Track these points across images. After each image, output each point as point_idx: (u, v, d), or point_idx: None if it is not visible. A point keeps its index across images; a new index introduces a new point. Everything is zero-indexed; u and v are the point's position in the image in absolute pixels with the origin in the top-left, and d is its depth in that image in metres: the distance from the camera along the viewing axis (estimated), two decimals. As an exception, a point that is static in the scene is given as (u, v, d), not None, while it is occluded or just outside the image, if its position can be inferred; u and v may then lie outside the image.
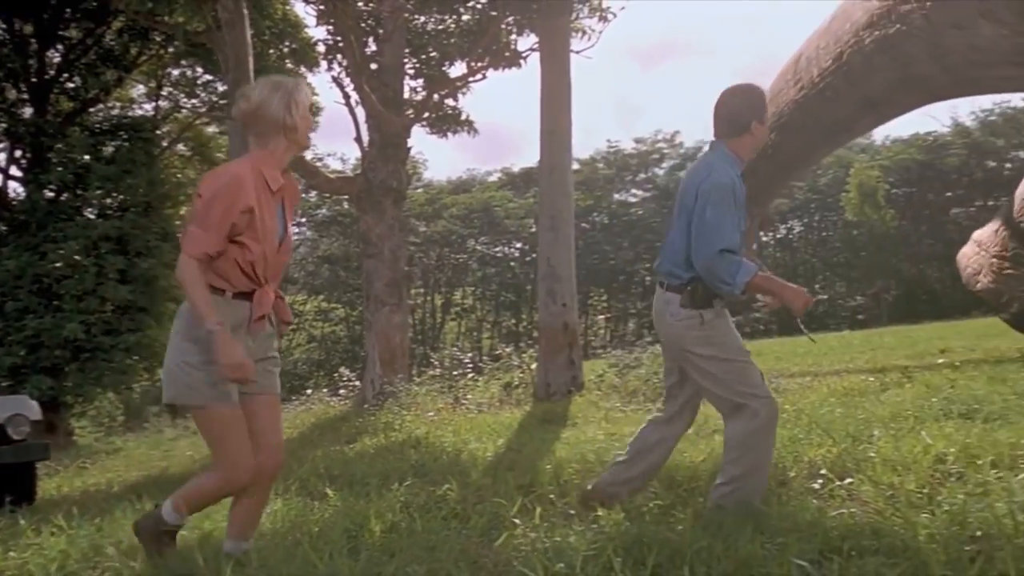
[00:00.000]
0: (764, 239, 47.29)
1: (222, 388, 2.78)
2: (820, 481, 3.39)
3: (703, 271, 3.14)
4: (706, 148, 3.46)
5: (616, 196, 53.60)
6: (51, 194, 17.42)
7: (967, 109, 43.55)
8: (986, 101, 41.89)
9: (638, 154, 53.74)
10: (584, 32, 12.46)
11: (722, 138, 3.32)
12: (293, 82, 2.97)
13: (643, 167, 53.87)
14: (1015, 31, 6.72)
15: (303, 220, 42.11)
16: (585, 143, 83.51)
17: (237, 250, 2.83)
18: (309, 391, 16.19)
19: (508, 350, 13.22)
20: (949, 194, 46.02)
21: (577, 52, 11.78)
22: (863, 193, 40.70)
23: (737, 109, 3.30)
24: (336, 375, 16.00)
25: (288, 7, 17.25)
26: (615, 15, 12.47)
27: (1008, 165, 42.14)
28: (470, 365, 12.73)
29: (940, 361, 8.36)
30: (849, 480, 3.32)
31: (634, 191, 54.50)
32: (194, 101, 20.61)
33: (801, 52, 9.34)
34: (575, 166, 50.35)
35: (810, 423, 4.83)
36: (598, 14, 12.38)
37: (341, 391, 14.54)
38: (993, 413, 4.71)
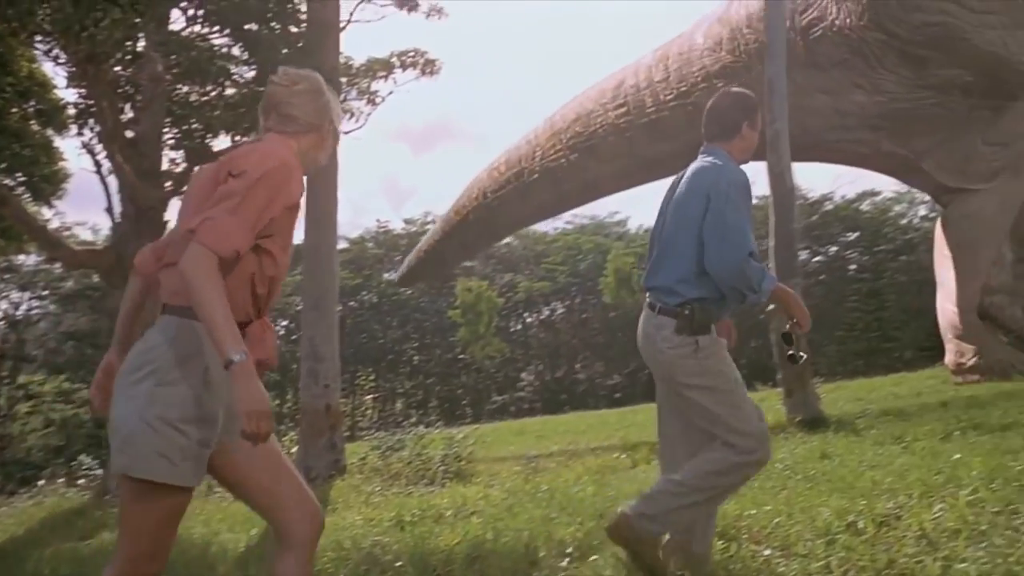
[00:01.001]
0: (528, 320, 48.89)
1: (198, 462, 2.11)
2: (567, 560, 3.48)
3: (727, 278, 2.92)
4: (700, 155, 3.24)
5: (386, 275, 53.66)
6: None
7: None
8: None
9: (408, 235, 54.24)
10: (352, 113, 12.58)
11: (714, 141, 3.21)
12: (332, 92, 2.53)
13: (412, 247, 54.39)
14: (894, 98, 7.49)
15: (45, 293, 38.75)
16: (355, 222, 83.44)
17: (254, 260, 2.19)
18: (42, 482, 14.72)
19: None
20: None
21: (345, 133, 11.88)
22: (619, 278, 43.11)
23: (728, 111, 3.22)
24: (75, 463, 14.69)
25: (35, 65, 16.14)
26: (383, 99, 12.69)
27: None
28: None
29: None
30: (594, 557, 3.43)
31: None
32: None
33: (623, 79, 9.71)
34: (343, 245, 49.18)
35: (562, 502, 4.97)
36: (367, 97, 12.55)
37: (80, 481, 13.34)
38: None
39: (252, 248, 2.16)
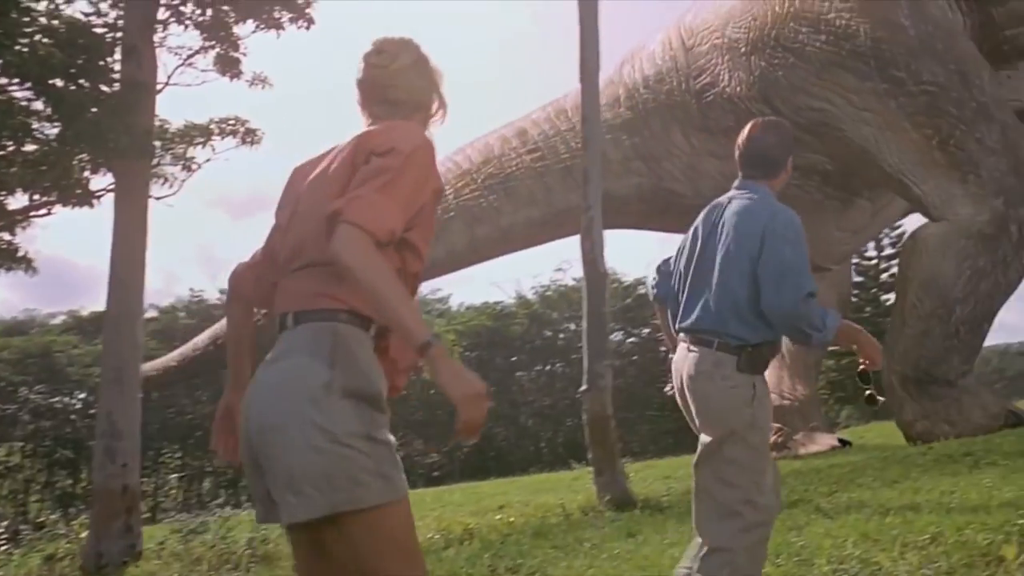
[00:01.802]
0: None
1: (398, 470, 1.78)
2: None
3: (788, 318, 2.76)
4: (736, 189, 3.07)
5: (198, 347, 51.27)
6: None
7: (529, 284, 48.75)
8: (544, 278, 47.38)
9: (223, 305, 52.28)
10: (167, 179, 12.11)
11: (757, 179, 3.03)
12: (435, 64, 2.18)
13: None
14: None
15: None
16: (167, 290, 79.93)
17: (396, 255, 1.87)
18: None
19: (54, 517, 11.69)
20: (514, 359, 50.39)
21: (157, 198, 11.41)
22: (440, 355, 43.10)
23: (774, 148, 3.04)
24: None
25: None
26: (200, 166, 12.31)
27: (561, 335, 47.52)
28: (4, 535, 11.03)
29: (498, 517, 8.90)
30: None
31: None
32: None
33: (524, 127, 9.54)
34: (152, 313, 46.51)
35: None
36: (182, 162, 12.13)
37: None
38: (533, 568, 5.08)
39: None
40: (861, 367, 2.89)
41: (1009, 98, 6.65)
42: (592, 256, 7.68)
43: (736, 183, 3.09)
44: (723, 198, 3.08)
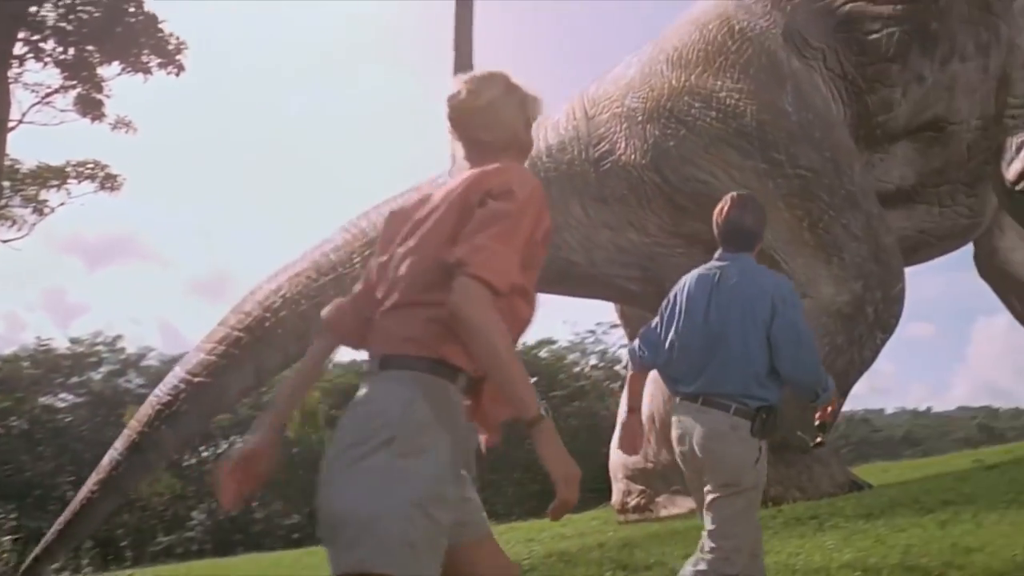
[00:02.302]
0: (204, 454, 45.88)
1: (440, 551, 1.68)
2: None
3: (806, 381, 3.06)
4: (721, 260, 3.31)
5: (41, 400, 48.29)
6: None
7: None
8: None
9: (73, 355, 49.52)
10: (15, 221, 11.52)
11: (740, 251, 3.26)
12: (525, 88, 2.09)
13: (78, 370, 49.65)
14: (656, 241, 7.78)
15: None
16: (9, 337, 75.17)
17: (505, 300, 1.76)
18: None
19: None
20: (381, 418, 49.57)
21: (4, 241, 10.82)
22: (304, 413, 42.04)
23: (753, 224, 3.30)
24: None
25: None
26: (53, 209, 11.78)
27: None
28: None
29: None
30: None
31: (64, 395, 49.63)
32: None
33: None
34: (-8, 362, 43.33)
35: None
36: (33, 204, 11.59)
37: None
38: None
39: None
40: (819, 417, 3.25)
41: (881, 179, 7.08)
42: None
43: (718, 255, 3.35)
44: (710, 268, 3.32)
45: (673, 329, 3.28)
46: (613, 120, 7.82)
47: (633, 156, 7.61)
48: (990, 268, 8.59)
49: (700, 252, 7.49)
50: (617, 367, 45.81)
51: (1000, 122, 5.80)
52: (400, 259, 1.90)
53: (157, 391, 10.01)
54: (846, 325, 6.37)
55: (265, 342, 9.73)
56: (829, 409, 3.22)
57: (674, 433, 3.26)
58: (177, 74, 10.70)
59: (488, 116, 2.03)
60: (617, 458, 10.19)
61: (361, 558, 1.64)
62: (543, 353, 44.26)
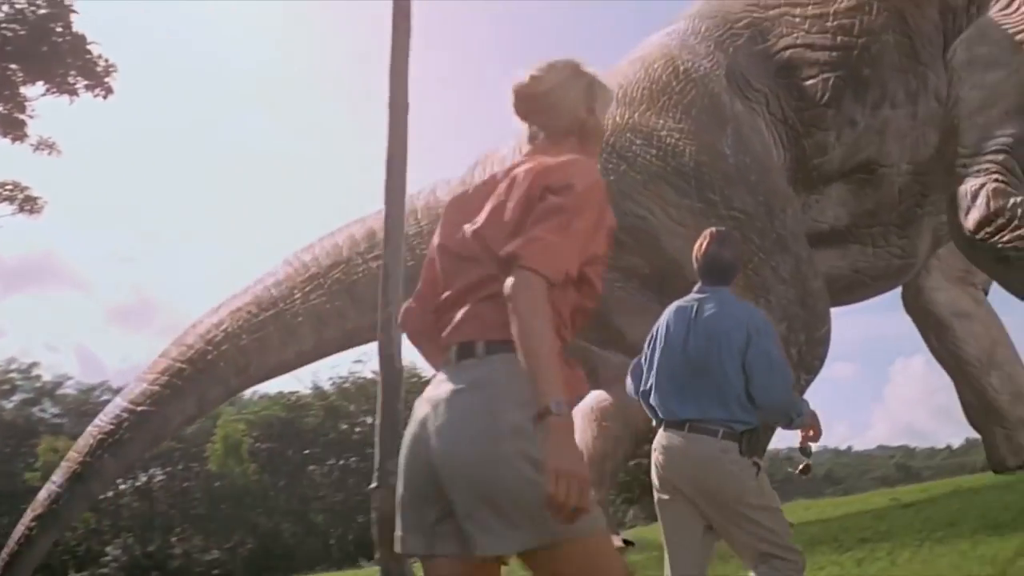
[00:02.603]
0: (122, 487, 44.43)
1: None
2: None
3: (778, 406, 3.20)
4: (699, 293, 3.49)
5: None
6: None
7: (327, 375, 47.55)
8: (343, 369, 46.46)
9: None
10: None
11: (717, 285, 3.44)
12: (594, 72, 2.08)
13: (-14, 397, 47.70)
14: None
15: None
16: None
17: (574, 291, 1.86)
18: None
19: None
20: (307, 451, 48.78)
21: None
22: (228, 445, 41.16)
23: (731, 259, 3.49)
24: None
25: None
26: (-26, 231, 11.37)
27: (358, 428, 46.55)
28: None
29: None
30: None
31: (-26, 425, 47.62)
32: None
33: (373, 228, 9.31)
34: None
35: None
36: (-52, 226, 11.18)
37: None
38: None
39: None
40: (802, 442, 3.38)
41: (816, 219, 7.28)
42: (389, 352, 7.64)
43: (697, 288, 3.54)
44: (689, 301, 3.51)
45: (656, 360, 3.45)
46: None
47: None
48: (915, 306, 8.86)
49: (636, 286, 7.58)
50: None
51: (952, 172, 5.98)
52: (480, 251, 1.92)
53: (98, 421, 9.93)
54: None
55: (207, 374, 9.73)
56: (811, 433, 3.34)
57: (657, 458, 3.35)
58: (105, 96, 10.47)
59: (549, 101, 2.05)
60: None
61: (560, 531, 1.68)
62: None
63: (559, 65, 2.08)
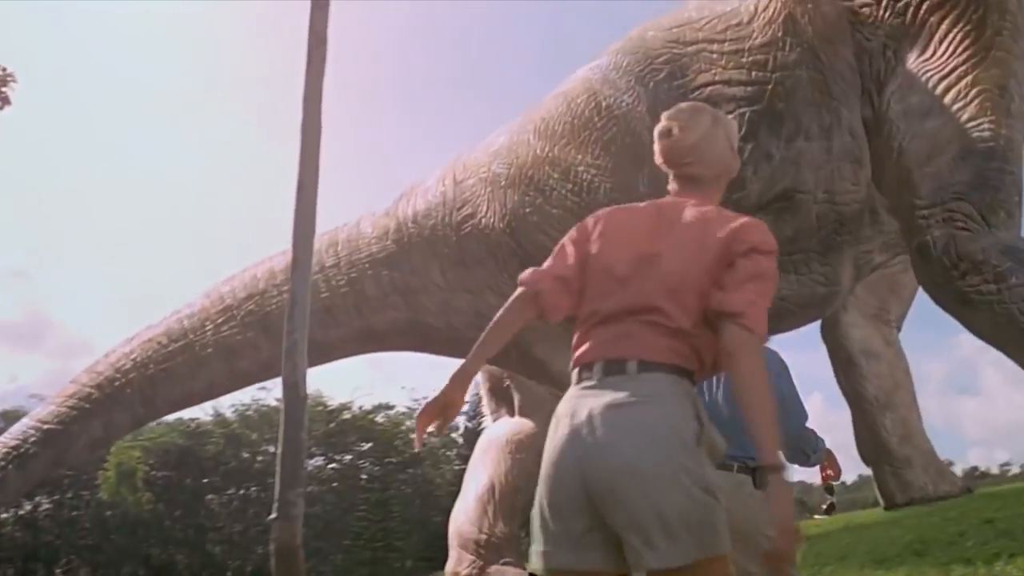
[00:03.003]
0: (4, 516, 42.25)
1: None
2: None
3: (793, 441, 3.18)
4: None
5: None
6: None
7: (228, 402, 46.27)
8: (246, 396, 45.22)
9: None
10: None
11: None
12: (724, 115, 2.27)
13: None
14: None
15: None
16: None
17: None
18: None
19: None
20: (206, 480, 47.37)
21: None
22: (121, 473, 39.64)
23: None
24: None
25: None
26: None
27: (260, 457, 45.42)
28: None
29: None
30: None
31: None
32: None
33: (284, 267, 9.09)
34: None
35: None
36: None
37: None
38: None
39: None
40: (824, 480, 3.46)
41: None
42: (294, 380, 7.48)
43: None
44: None
45: (720, 395, 3.58)
46: (479, 184, 7.90)
47: (492, 220, 7.66)
48: (831, 340, 9.05)
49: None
50: (454, 434, 45.60)
51: (913, 223, 6.03)
52: (651, 277, 2.04)
53: (3, 437, 9.92)
54: None
55: (114, 400, 9.72)
56: (829, 472, 3.43)
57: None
58: (1, 107, 10.07)
59: (701, 151, 2.18)
60: (454, 526, 10.14)
61: (707, 547, 1.81)
62: (379, 418, 43.57)
63: (700, 113, 2.24)
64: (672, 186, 2.26)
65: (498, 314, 2.25)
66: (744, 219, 2.10)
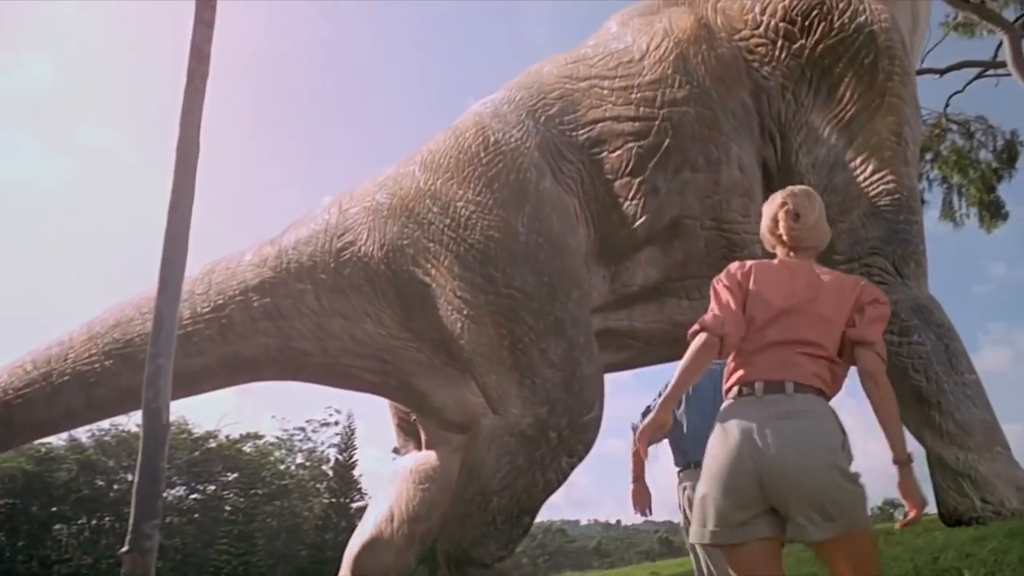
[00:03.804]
0: None
1: None
2: None
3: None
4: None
5: None
6: None
7: (85, 428, 43.91)
8: (105, 423, 43.09)
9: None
10: None
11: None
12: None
13: None
14: (391, 334, 7.25)
15: None
16: None
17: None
18: None
19: None
20: (55, 509, 44.81)
21: None
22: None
23: None
24: None
25: None
26: None
27: (116, 485, 43.36)
28: None
29: None
30: None
31: None
32: None
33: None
34: None
35: None
36: None
37: None
38: None
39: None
40: None
41: (626, 283, 7.16)
42: (156, 406, 7.07)
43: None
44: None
45: (683, 411, 4.28)
46: (362, 213, 7.74)
47: (372, 248, 7.51)
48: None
49: (429, 349, 7.41)
50: (324, 467, 44.53)
51: None
52: (808, 317, 2.70)
53: None
54: (527, 447, 6.30)
55: None
56: None
57: (687, 497, 4.12)
58: None
59: (817, 232, 2.88)
60: (348, 554, 9.90)
61: (857, 523, 2.48)
62: (247, 448, 42.18)
63: (812, 197, 2.91)
64: (781, 251, 2.91)
65: (689, 356, 2.75)
66: (864, 280, 2.86)
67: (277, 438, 42.89)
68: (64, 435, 44.78)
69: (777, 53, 6.67)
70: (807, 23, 6.59)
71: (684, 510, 4.23)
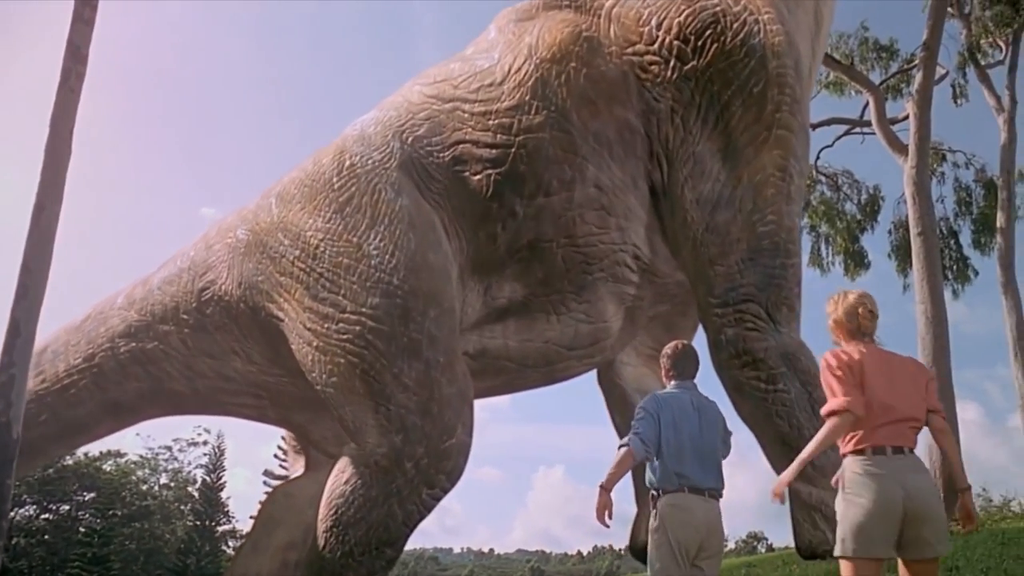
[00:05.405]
0: None
1: None
2: None
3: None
4: (683, 387, 4.84)
5: None
6: None
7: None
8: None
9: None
10: None
11: (692, 378, 4.82)
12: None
13: None
14: (262, 370, 7.11)
15: None
16: None
17: None
18: None
19: None
20: None
21: None
22: None
23: (697, 356, 4.93)
24: None
25: None
26: None
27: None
28: None
29: None
30: None
31: None
32: None
33: (47, 344, 7.94)
34: None
35: None
36: None
37: None
38: None
39: None
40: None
41: (495, 297, 6.95)
42: (5, 419, 6.73)
43: (676, 383, 4.84)
44: (680, 391, 4.82)
45: (671, 436, 4.57)
46: (223, 250, 7.47)
47: (230, 287, 7.23)
48: (606, 379, 8.72)
49: (303, 383, 7.17)
50: (191, 488, 42.92)
51: (710, 318, 6.17)
52: (907, 395, 3.76)
53: None
54: (382, 478, 6.13)
55: None
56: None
57: (676, 515, 4.44)
58: None
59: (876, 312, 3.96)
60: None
61: (947, 545, 3.61)
62: (107, 466, 40.20)
63: (872, 297, 3.97)
64: (855, 337, 3.91)
65: (830, 431, 3.72)
66: (926, 366, 3.91)
67: (141, 456, 41.15)
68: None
69: (669, 74, 6.63)
70: (700, 43, 6.56)
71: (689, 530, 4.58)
